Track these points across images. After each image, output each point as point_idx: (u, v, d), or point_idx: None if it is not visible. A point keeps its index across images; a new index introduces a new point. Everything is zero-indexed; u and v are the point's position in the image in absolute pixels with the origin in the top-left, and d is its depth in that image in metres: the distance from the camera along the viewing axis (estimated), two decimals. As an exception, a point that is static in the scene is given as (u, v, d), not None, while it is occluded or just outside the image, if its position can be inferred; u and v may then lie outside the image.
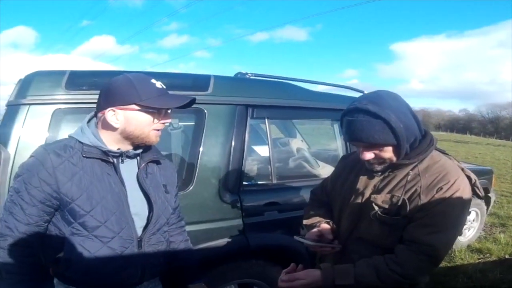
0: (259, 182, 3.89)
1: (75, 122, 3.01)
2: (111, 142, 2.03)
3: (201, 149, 3.36)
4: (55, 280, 2.09)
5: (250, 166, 3.96)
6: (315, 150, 5.49)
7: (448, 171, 2.08)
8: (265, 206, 3.64)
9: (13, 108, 2.93)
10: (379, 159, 2.10)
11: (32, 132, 2.87)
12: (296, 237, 2.42)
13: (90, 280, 2.01)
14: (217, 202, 3.42)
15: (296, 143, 4.84)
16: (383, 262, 2.03)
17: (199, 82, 3.41)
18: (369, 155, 2.08)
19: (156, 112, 1.99)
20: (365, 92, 4.95)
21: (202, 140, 3.37)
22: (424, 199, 2.04)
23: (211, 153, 3.41)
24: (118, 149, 2.04)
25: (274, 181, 3.83)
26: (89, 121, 2.10)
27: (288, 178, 4.08)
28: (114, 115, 1.96)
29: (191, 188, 3.28)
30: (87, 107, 3.02)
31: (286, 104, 3.87)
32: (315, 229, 2.40)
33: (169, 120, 2.09)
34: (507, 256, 6.53)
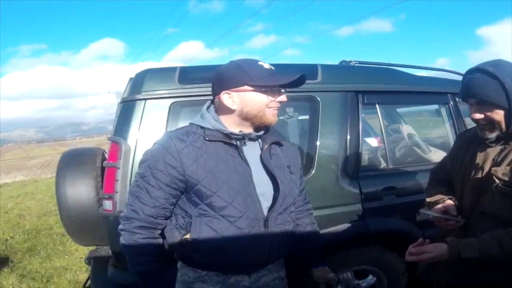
0: (376, 167, 3.93)
1: (191, 115, 3.16)
2: (232, 125, 2.08)
3: (318, 135, 3.42)
4: (179, 263, 2.18)
5: (366, 151, 3.98)
6: (423, 135, 5.43)
7: None
8: (383, 191, 3.62)
9: (128, 104, 3.15)
10: (489, 121, 2.12)
11: (149, 125, 3.06)
12: (422, 210, 2.48)
13: (217, 261, 2.07)
14: (337, 187, 3.45)
15: (407, 129, 4.78)
16: (506, 234, 2.00)
17: (307, 71, 3.33)
18: (479, 115, 2.12)
19: (270, 90, 2.02)
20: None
21: (319, 127, 3.43)
22: None
23: (329, 139, 3.46)
24: (240, 131, 2.08)
25: (390, 166, 3.83)
26: (208, 107, 2.18)
27: (403, 163, 4.10)
28: (230, 98, 2.02)
29: (312, 173, 3.34)
30: (202, 99, 3.17)
31: (395, 89, 3.87)
32: (439, 205, 2.41)
33: (284, 99, 2.10)
34: None
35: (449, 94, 4.16)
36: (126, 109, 3.14)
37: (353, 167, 3.53)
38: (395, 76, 4.00)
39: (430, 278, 2.54)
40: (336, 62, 4.18)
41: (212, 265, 2.09)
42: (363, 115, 3.69)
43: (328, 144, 3.46)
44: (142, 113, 3.07)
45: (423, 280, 2.67)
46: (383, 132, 3.90)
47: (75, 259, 6.66)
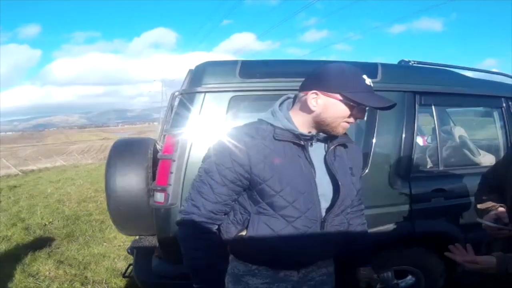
0: (427, 169, 3.91)
1: (251, 109, 3.21)
2: (302, 125, 2.05)
3: (375, 135, 3.43)
4: (231, 256, 2.19)
5: (420, 153, 3.98)
6: (473, 138, 5.36)
7: None
8: (433, 193, 3.62)
9: (188, 96, 3.14)
10: None
11: (208, 118, 3.06)
12: (478, 219, 2.45)
13: (269, 258, 2.09)
14: (388, 187, 3.47)
15: (458, 131, 4.76)
16: None
17: (367, 69, 3.33)
18: None
19: (356, 106, 1.97)
20: (523, 78, 4.79)
21: (376, 126, 3.44)
22: None
23: (384, 140, 3.47)
24: (309, 132, 2.06)
25: (441, 168, 3.80)
26: (280, 104, 2.15)
27: (453, 166, 4.06)
28: (315, 99, 1.98)
29: (365, 172, 3.35)
30: (262, 94, 3.22)
31: (452, 91, 3.83)
32: (492, 213, 2.40)
33: (363, 118, 2.08)
34: None
35: (503, 98, 4.12)
36: (185, 102, 3.14)
37: (406, 168, 3.54)
38: (452, 78, 3.96)
39: (469, 281, 2.52)
40: (387, 59, 4.15)
41: (264, 260, 2.12)
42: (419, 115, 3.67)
43: (383, 144, 3.47)
44: (202, 106, 3.07)
45: (461, 283, 2.65)
46: (437, 133, 3.89)
47: (113, 247, 6.73)
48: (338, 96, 1.96)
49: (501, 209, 2.39)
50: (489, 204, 2.46)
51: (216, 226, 2.10)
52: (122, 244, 6.75)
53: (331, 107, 1.98)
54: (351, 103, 1.96)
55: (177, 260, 2.68)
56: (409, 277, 3.80)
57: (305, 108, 2.03)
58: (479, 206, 2.53)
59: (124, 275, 4.26)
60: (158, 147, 3.42)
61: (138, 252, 3.86)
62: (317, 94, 1.98)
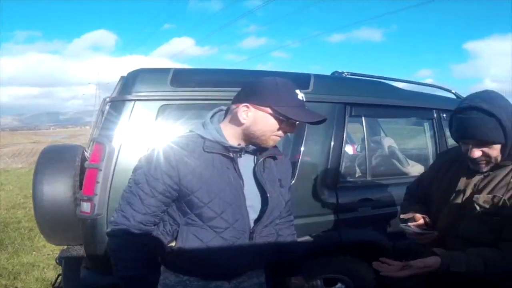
0: (355, 179, 3.97)
1: (181, 118, 3.14)
2: (232, 137, 2.07)
3: (303, 146, 3.44)
4: (162, 267, 2.18)
5: (346, 163, 4.01)
6: (403, 149, 5.49)
7: None
8: (360, 202, 3.69)
9: (117, 104, 3.07)
10: (486, 158, 2.12)
11: (137, 127, 2.99)
12: (401, 225, 2.47)
13: (199, 269, 2.09)
14: (315, 197, 3.50)
15: (388, 141, 4.86)
16: (491, 255, 2.04)
17: (300, 80, 3.43)
18: (477, 153, 2.09)
19: (285, 120, 2.00)
20: (453, 91, 4.96)
21: (304, 137, 3.45)
22: None
23: (312, 150, 3.49)
24: (239, 144, 2.08)
25: (369, 178, 3.87)
26: (212, 116, 2.16)
27: (381, 176, 4.12)
28: (246, 111, 2.00)
29: (292, 182, 3.31)
30: (193, 103, 3.19)
31: (383, 102, 3.91)
32: (415, 222, 2.43)
33: (292, 132, 2.13)
34: None
35: (434, 110, 4.23)
36: (114, 109, 3.07)
37: (333, 178, 3.58)
38: (384, 89, 4.05)
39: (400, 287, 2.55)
40: (325, 68, 4.22)
41: (194, 271, 2.11)
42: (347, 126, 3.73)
43: (311, 154, 3.50)
44: (131, 114, 3.00)
45: None
46: (366, 144, 3.97)
47: (42, 256, 6.53)
48: (268, 109, 1.98)
49: (418, 216, 2.43)
50: (411, 214, 2.49)
51: (147, 237, 2.07)
52: (51, 253, 6.55)
53: (260, 121, 2.01)
54: (281, 117, 1.99)
55: (105, 270, 2.64)
56: (339, 284, 3.84)
57: (236, 121, 2.05)
58: (402, 216, 2.56)
59: (54, 286, 4.16)
60: (87, 154, 3.34)
61: (67, 262, 3.76)
62: (248, 107, 2.00)
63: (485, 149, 2.09)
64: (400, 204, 2.80)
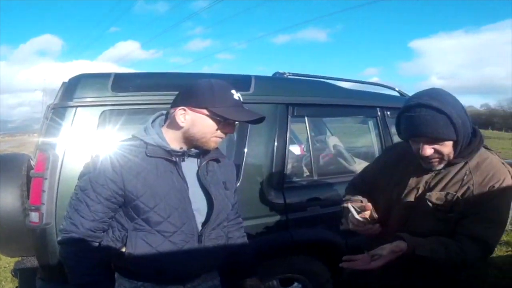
0: (301, 179, 3.98)
1: (123, 124, 3.11)
2: (174, 141, 2.10)
3: (246, 147, 3.44)
4: (116, 274, 2.17)
5: (292, 163, 4.04)
6: (348, 147, 5.54)
7: (498, 169, 2.17)
8: (308, 202, 3.71)
9: (59, 111, 3.01)
10: (439, 155, 2.13)
11: (79, 133, 2.95)
12: (344, 204, 2.47)
13: (151, 274, 2.09)
14: (262, 198, 3.50)
15: (332, 140, 4.91)
16: (452, 244, 2.08)
17: (241, 82, 3.45)
18: (429, 151, 2.09)
19: (223, 121, 2.04)
20: (396, 88, 5.05)
21: (247, 139, 3.46)
22: (477, 196, 2.12)
23: (256, 152, 3.50)
24: (181, 148, 2.11)
25: (315, 178, 3.90)
26: (153, 120, 2.19)
27: (328, 174, 4.15)
28: (183, 115, 2.04)
29: (237, 185, 3.30)
30: (134, 108, 3.16)
31: (325, 102, 3.96)
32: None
33: (232, 132, 2.17)
34: (536, 249, 6.46)
35: (378, 108, 4.30)
36: (56, 116, 3.00)
37: (279, 179, 3.59)
38: (326, 89, 4.09)
39: (357, 285, 2.57)
40: (270, 68, 4.24)
41: (147, 276, 2.12)
42: (291, 126, 3.76)
43: (255, 156, 3.50)
44: (73, 121, 2.95)
45: (350, 287, 2.69)
46: (310, 144, 4.00)
47: (-1, 269, 6.25)
48: (205, 111, 2.02)
49: (368, 212, 2.40)
50: (359, 203, 2.47)
51: (97, 244, 2.08)
52: (7, 265, 6.32)
53: (198, 123, 2.05)
54: (218, 118, 2.03)
55: (59, 280, 2.59)
56: (296, 284, 3.85)
57: (175, 124, 2.08)
58: (346, 199, 2.56)
59: None
60: (32, 163, 3.28)
61: (22, 274, 3.66)
62: (185, 110, 2.04)
63: (437, 147, 2.10)
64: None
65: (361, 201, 2.48)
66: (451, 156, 2.14)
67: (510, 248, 6.46)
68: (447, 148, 2.10)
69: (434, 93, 2.12)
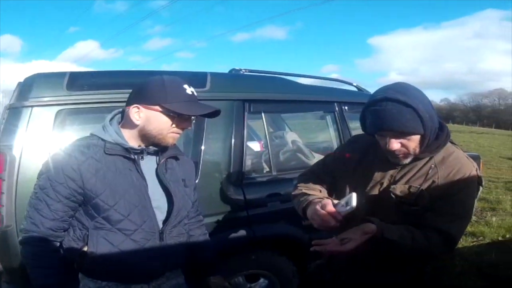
0: (260, 175, 3.99)
1: (79, 123, 3.11)
2: (131, 139, 2.09)
3: (203, 144, 3.44)
4: (80, 275, 2.14)
5: (250, 159, 4.05)
6: (307, 142, 5.58)
7: (463, 163, 2.17)
8: (268, 197, 3.72)
9: (15, 111, 2.97)
10: (406, 149, 2.09)
11: (36, 133, 2.91)
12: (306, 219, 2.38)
13: (114, 273, 2.09)
14: (221, 195, 3.50)
15: (291, 136, 4.95)
16: (419, 233, 2.08)
17: (196, 79, 3.43)
18: (396, 145, 2.05)
19: (177, 117, 2.04)
20: (354, 83, 5.10)
21: (204, 136, 3.45)
22: (443, 190, 2.11)
23: (213, 148, 3.50)
24: (139, 146, 2.11)
25: (274, 173, 3.91)
26: (111, 119, 2.17)
27: (287, 170, 4.16)
28: (138, 112, 2.03)
29: (196, 182, 3.30)
30: (90, 107, 3.13)
31: (282, 98, 3.98)
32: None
33: (188, 127, 2.15)
34: (500, 238, 6.69)
35: (335, 103, 4.34)
36: (12, 116, 2.96)
37: (237, 175, 3.59)
38: (282, 85, 4.11)
39: (324, 278, 2.57)
40: (230, 67, 4.24)
41: (111, 275, 2.11)
42: (248, 122, 3.77)
43: (212, 152, 3.50)
44: (28, 121, 2.91)
45: (315, 281, 2.70)
46: (268, 139, 4.01)
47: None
48: (158, 108, 2.02)
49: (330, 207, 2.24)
50: (321, 195, 2.41)
51: (58, 243, 2.06)
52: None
53: (153, 120, 2.04)
54: (171, 114, 2.02)
55: (25, 283, 2.55)
56: (262, 280, 3.86)
57: (130, 123, 2.07)
58: (305, 190, 2.47)
59: None
60: None
61: None
62: (138, 108, 2.03)
63: (404, 141, 2.06)
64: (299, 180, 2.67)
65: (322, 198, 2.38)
66: (418, 150, 2.11)
67: (475, 239, 6.65)
68: (414, 142, 2.07)
69: (400, 87, 2.08)
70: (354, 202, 2.00)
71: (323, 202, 2.18)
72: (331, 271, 2.49)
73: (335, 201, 2.17)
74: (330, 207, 2.12)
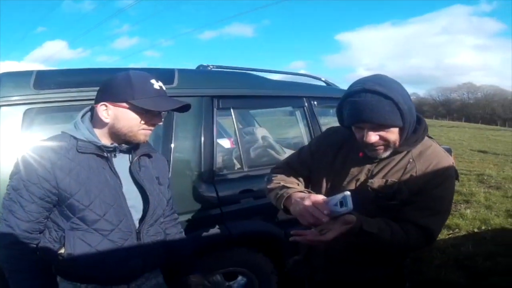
0: (231, 171, 3.97)
1: (47, 121, 3.06)
2: (103, 137, 2.07)
3: (172, 142, 3.41)
4: (58, 278, 2.10)
5: (222, 156, 4.05)
6: (278, 138, 5.58)
7: (441, 158, 2.14)
8: (241, 194, 3.71)
9: None
10: (384, 142, 2.04)
11: (5, 133, 2.87)
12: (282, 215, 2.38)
13: (93, 275, 2.05)
14: (193, 193, 3.47)
15: (261, 132, 4.94)
16: (397, 226, 2.05)
17: (164, 75, 3.28)
18: (374, 137, 2.00)
19: (146, 113, 2.01)
20: (322, 78, 5.12)
21: (173, 133, 3.42)
22: (420, 184, 2.09)
23: (183, 145, 3.46)
24: (112, 143, 2.08)
25: (246, 169, 3.90)
26: (82, 116, 2.13)
27: (258, 166, 4.17)
28: (106, 110, 2.00)
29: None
30: (58, 105, 3.08)
31: (250, 93, 3.97)
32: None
33: (159, 122, 2.12)
34: (476, 230, 6.82)
35: (304, 98, 4.34)
36: None
37: (208, 172, 3.57)
38: (251, 81, 4.10)
39: (302, 274, 2.56)
40: (197, 64, 4.22)
41: (90, 278, 2.07)
42: (217, 119, 3.74)
43: (182, 150, 3.47)
44: None
45: (294, 277, 2.68)
46: (237, 135, 3.99)
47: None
48: (125, 104, 1.99)
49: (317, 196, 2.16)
50: (295, 186, 2.33)
51: (34, 246, 2.02)
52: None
53: (122, 117, 2.01)
54: (139, 110, 2.00)
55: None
56: (240, 277, 3.86)
57: (100, 121, 2.04)
58: (283, 183, 2.35)
59: None
60: None
61: None
62: (106, 106, 2.01)
63: (382, 133, 2.00)
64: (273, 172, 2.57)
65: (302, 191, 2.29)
66: (397, 143, 2.06)
67: (451, 231, 6.76)
68: (393, 135, 2.01)
69: (378, 78, 2.02)
70: (350, 204, 1.88)
71: (313, 198, 2.05)
72: (309, 267, 2.48)
73: (326, 198, 2.04)
74: (324, 206, 1.99)
